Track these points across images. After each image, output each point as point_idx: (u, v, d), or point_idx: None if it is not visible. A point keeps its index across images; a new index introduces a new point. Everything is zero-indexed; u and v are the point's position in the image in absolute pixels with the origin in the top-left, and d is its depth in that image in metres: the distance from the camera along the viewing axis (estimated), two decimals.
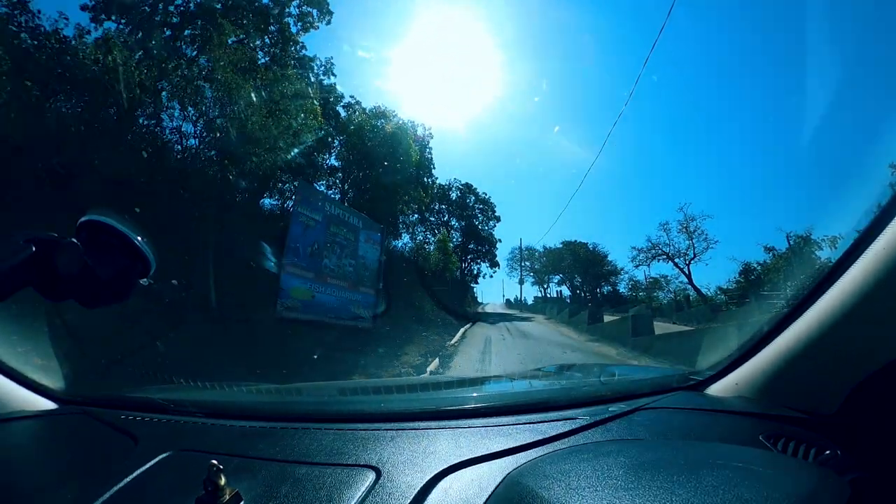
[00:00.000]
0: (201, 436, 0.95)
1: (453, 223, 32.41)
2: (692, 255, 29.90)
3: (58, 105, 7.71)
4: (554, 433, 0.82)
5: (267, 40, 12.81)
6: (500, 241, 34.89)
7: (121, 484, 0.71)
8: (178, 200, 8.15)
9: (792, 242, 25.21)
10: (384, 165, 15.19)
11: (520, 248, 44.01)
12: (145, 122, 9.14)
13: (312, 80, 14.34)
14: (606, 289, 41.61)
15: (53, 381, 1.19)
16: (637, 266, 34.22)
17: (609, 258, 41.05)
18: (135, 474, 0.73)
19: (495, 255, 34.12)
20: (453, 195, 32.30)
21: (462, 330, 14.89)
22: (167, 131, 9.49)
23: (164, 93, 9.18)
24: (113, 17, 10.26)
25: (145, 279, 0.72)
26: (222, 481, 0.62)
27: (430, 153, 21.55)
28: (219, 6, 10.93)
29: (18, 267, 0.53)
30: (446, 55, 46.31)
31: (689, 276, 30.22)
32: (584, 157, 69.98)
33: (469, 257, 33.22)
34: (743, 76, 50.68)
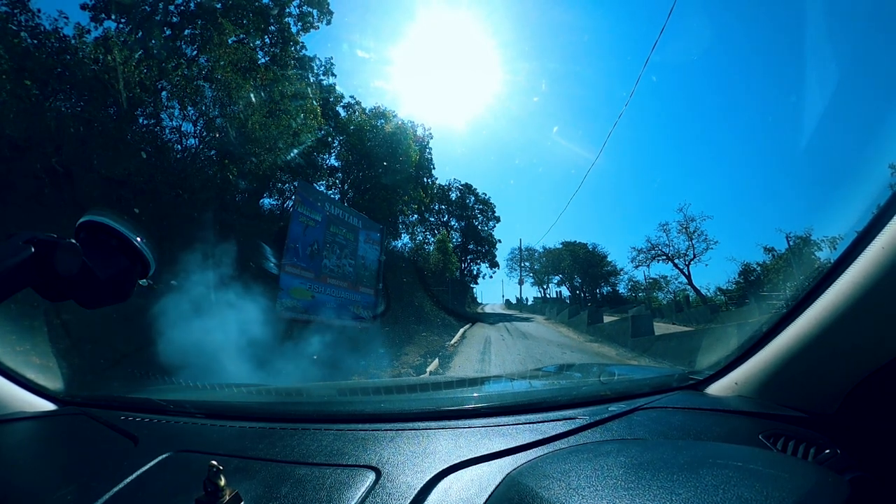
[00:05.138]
0: (201, 436, 0.95)
1: (453, 223, 32.50)
2: (692, 256, 29.98)
3: (57, 104, 7.69)
4: (554, 433, 0.82)
5: (267, 40, 12.82)
6: (499, 241, 35.02)
7: (121, 484, 0.71)
8: (178, 200, 8.14)
9: (791, 243, 25.26)
10: (384, 165, 15.20)
11: (519, 248, 44.07)
12: (145, 122, 9.14)
13: (312, 80, 14.36)
14: (606, 289, 41.68)
15: (53, 382, 1.19)
16: (637, 266, 34.30)
17: (609, 259, 41.18)
18: (135, 475, 0.73)
19: (495, 256, 34.22)
20: (453, 195, 32.39)
21: (462, 330, 14.89)
22: (167, 131, 9.49)
23: (163, 92, 9.18)
24: (113, 17, 10.26)
25: (145, 279, 0.72)
26: (222, 482, 0.62)
27: (429, 153, 21.59)
28: (219, 6, 10.94)
29: (18, 268, 0.53)
30: (446, 55, 46.45)
31: (688, 277, 30.29)
32: (583, 157, 70.20)
33: (469, 257, 33.27)
34: (743, 76, 50.84)
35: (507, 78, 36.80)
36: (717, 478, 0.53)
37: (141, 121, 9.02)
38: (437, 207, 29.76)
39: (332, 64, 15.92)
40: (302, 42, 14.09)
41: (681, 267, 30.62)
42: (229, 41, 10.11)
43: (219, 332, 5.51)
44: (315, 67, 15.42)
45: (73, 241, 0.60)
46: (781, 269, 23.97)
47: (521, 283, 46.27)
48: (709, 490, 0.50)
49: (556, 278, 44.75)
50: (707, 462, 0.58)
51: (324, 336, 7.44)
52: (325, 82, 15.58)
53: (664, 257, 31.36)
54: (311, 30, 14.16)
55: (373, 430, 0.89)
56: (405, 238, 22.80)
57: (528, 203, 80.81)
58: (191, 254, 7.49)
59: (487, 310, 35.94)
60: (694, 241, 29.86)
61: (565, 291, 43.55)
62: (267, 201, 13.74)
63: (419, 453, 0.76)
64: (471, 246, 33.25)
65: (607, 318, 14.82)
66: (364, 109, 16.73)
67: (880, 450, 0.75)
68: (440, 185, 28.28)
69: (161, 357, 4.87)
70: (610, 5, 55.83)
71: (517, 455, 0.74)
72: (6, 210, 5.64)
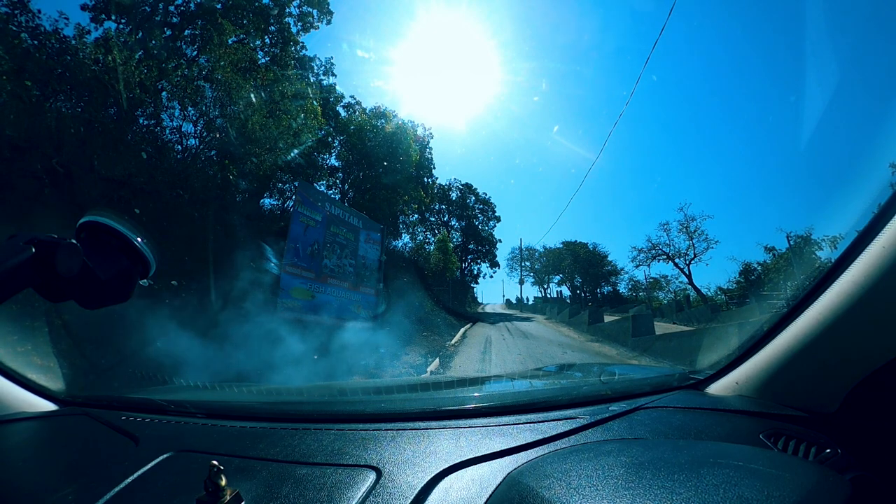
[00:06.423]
0: (202, 436, 0.95)
1: (453, 223, 32.52)
2: (692, 256, 29.99)
3: (58, 105, 7.69)
4: (555, 432, 0.82)
5: (267, 40, 12.82)
6: (500, 241, 35.07)
7: (122, 485, 0.71)
8: (178, 200, 8.14)
9: (792, 242, 25.24)
10: (384, 165, 15.21)
11: (520, 248, 44.10)
12: (145, 122, 9.13)
13: (312, 80, 14.37)
14: (607, 289, 41.69)
15: (53, 382, 1.19)
16: (637, 266, 34.34)
17: (609, 258, 41.23)
18: (136, 475, 0.73)
19: (495, 256, 34.24)
20: (453, 195, 32.42)
21: (462, 330, 14.89)
22: (167, 131, 9.48)
23: (164, 93, 9.17)
24: (113, 17, 10.26)
25: (145, 280, 0.72)
26: (223, 482, 0.62)
27: (430, 153, 21.62)
28: (219, 6, 10.94)
29: (19, 268, 0.53)
30: (446, 55, 46.37)
31: (689, 277, 30.29)
32: (584, 157, 70.20)
33: (469, 257, 33.28)
34: (743, 75, 50.79)
35: (507, 78, 36.78)
36: (718, 477, 0.53)
37: (141, 121, 9.02)
38: (437, 207, 29.79)
39: (332, 64, 15.96)
40: (302, 42, 14.11)
41: (681, 266, 30.66)
42: (229, 41, 10.12)
43: (219, 333, 5.52)
44: (315, 67, 15.45)
45: (74, 241, 0.60)
46: (782, 269, 23.97)
47: (521, 282, 46.27)
48: (710, 489, 0.50)
49: (557, 278, 44.80)
50: (708, 461, 0.58)
51: (324, 336, 7.45)
52: (325, 82, 15.60)
53: (665, 257, 31.39)
54: (311, 30, 14.17)
55: (373, 430, 0.89)
56: (406, 238, 22.86)
57: (528, 203, 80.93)
58: (191, 254, 7.50)
59: (488, 309, 35.95)
60: (694, 241, 29.91)
61: (566, 291, 43.62)
62: (267, 201, 13.76)
63: (420, 453, 0.76)
64: (471, 246, 33.27)
65: (608, 318, 14.80)
66: (364, 109, 16.76)
67: (881, 449, 0.75)
68: (440, 184, 28.36)
69: (161, 357, 4.87)
70: (610, 5, 55.82)
71: (518, 455, 0.75)
72: (6, 210, 5.64)
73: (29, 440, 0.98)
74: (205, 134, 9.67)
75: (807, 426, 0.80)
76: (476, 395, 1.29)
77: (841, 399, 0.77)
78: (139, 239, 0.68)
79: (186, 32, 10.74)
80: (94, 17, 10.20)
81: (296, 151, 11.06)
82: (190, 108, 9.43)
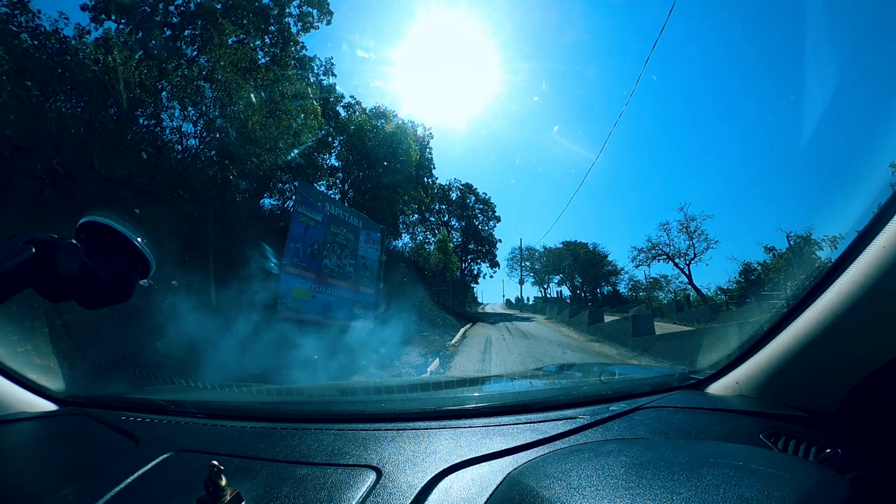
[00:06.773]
0: (202, 436, 0.95)
1: (453, 223, 32.52)
2: (692, 256, 29.99)
3: (58, 105, 7.68)
4: (555, 432, 0.82)
5: (267, 40, 12.83)
6: (500, 241, 35.07)
7: (122, 485, 0.71)
8: (178, 200, 8.14)
9: (792, 242, 25.23)
10: (384, 165, 15.21)
11: (520, 248, 44.12)
12: (145, 122, 9.12)
13: (312, 80, 14.38)
14: (607, 289, 41.70)
15: (53, 382, 1.19)
16: (637, 266, 34.35)
17: (609, 258, 41.26)
18: (136, 475, 0.73)
19: (495, 256, 34.25)
20: (453, 195, 32.42)
21: (462, 330, 14.90)
22: (167, 131, 9.47)
23: (164, 93, 9.16)
24: (113, 17, 10.27)
25: (145, 280, 0.72)
26: (223, 482, 0.62)
27: (430, 153, 21.63)
28: (219, 6, 10.94)
29: (19, 268, 0.53)
30: (446, 55, 46.40)
31: (689, 277, 30.29)
32: (584, 157, 70.21)
33: (469, 257, 33.28)
34: (743, 75, 50.79)
35: (507, 78, 36.77)
36: (718, 477, 0.53)
37: (141, 121, 9.01)
38: (437, 207, 29.79)
39: (332, 64, 15.96)
40: (302, 42, 14.12)
41: (681, 266, 30.66)
42: (229, 41, 10.11)
43: (219, 333, 5.51)
44: (315, 67, 15.46)
45: (74, 241, 0.60)
46: (782, 269, 23.97)
47: (521, 282, 46.28)
48: (710, 489, 0.50)
49: (557, 278, 44.82)
50: (708, 461, 0.58)
51: (324, 336, 7.45)
52: (325, 82, 15.60)
53: (665, 257, 31.40)
54: (311, 30, 14.18)
55: (373, 430, 0.89)
56: (406, 238, 22.89)
57: (528, 203, 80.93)
58: (191, 254, 7.49)
59: (488, 309, 35.95)
60: (694, 241, 29.92)
61: (566, 291, 43.65)
62: (267, 201, 13.75)
63: (420, 453, 0.76)
64: (471, 246, 33.26)
65: (608, 318, 14.80)
66: (364, 109, 16.77)
67: (881, 448, 0.75)
68: (440, 184, 28.38)
69: (162, 357, 4.87)
70: (610, 5, 55.77)
71: (518, 455, 0.74)
72: (6, 210, 5.64)
73: (29, 440, 0.98)
74: (205, 134, 9.67)
75: (807, 426, 0.80)
76: (476, 395, 1.29)
77: (841, 399, 0.77)
78: (139, 239, 0.68)
79: (186, 32, 10.75)
80: (94, 17, 10.22)
81: (296, 151, 11.06)
82: (190, 108, 9.43)
